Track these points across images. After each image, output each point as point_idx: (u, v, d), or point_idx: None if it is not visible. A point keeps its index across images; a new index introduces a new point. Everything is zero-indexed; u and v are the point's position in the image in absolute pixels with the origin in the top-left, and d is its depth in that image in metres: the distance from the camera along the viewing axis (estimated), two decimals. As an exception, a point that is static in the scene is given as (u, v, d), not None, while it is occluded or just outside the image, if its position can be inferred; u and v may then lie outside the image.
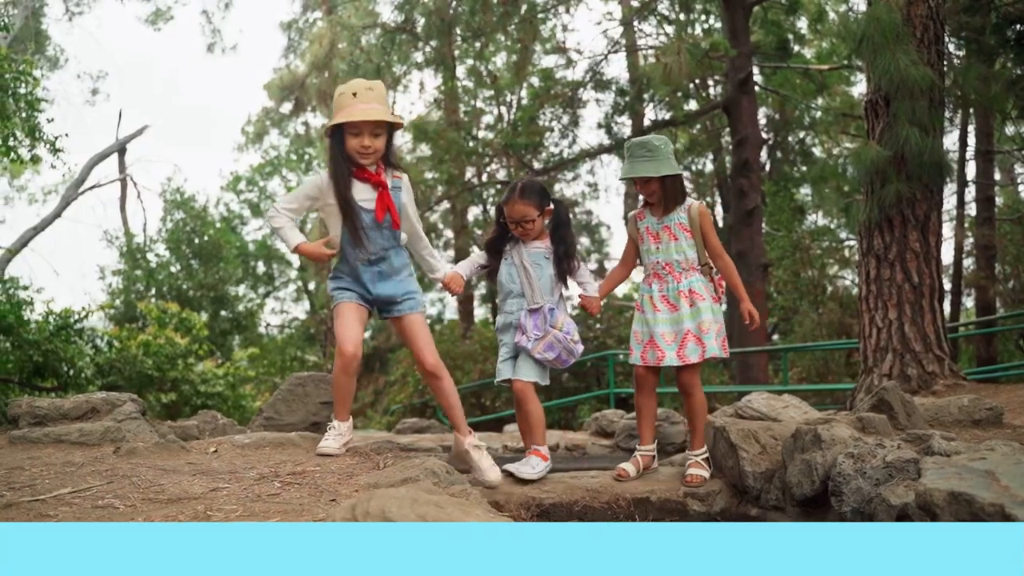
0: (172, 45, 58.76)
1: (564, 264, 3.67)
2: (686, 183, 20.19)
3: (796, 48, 16.08)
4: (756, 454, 3.39)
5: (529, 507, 3.39)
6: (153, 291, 16.92)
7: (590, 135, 28.41)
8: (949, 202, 13.76)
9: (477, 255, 3.90)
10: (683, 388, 3.69)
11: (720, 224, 19.76)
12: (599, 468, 3.98)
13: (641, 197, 3.78)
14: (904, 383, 5.57)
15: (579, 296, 3.81)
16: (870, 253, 5.98)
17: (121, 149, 19.81)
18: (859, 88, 15.86)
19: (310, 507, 2.35)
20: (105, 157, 18.97)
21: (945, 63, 6.31)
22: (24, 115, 8.65)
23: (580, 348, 3.63)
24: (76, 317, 9.74)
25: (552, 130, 16.01)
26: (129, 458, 3.08)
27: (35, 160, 8.96)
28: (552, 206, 3.70)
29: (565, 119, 15.98)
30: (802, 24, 16.43)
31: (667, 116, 16.98)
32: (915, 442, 2.74)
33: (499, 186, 18.00)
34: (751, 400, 4.53)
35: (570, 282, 3.84)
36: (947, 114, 7.44)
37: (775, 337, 18.58)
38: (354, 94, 3.37)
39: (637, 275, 4.22)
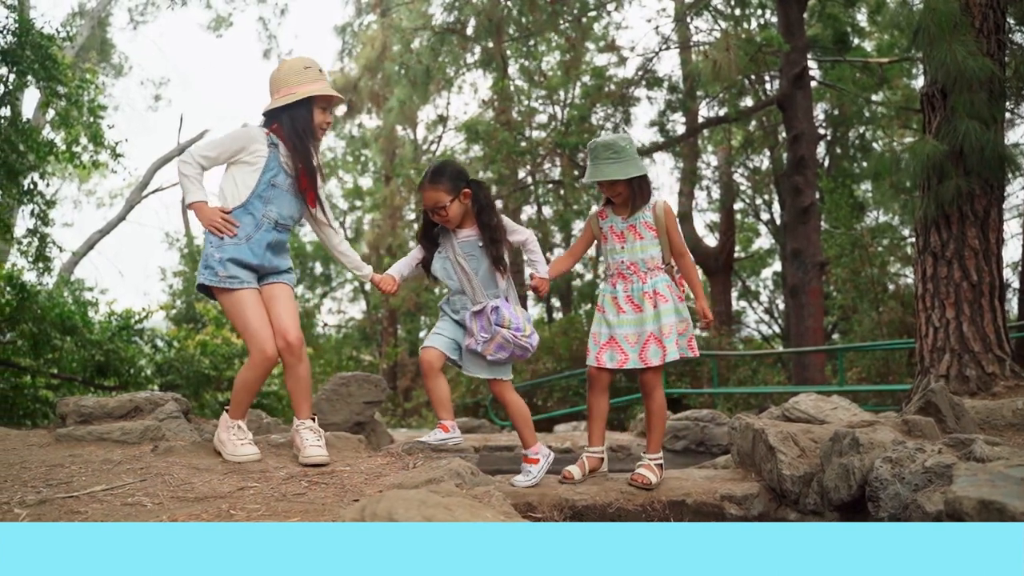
0: (231, 51, 60.14)
1: (493, 251, 3.40)
2: (742, 181, 19.94)
3: (855, 41, 15.66)
4: (795, 457, 3.30)
5: (562, 508, 3.35)
6: (213, 292, 17.30)
7: (643, 133, 28.17)
8: (1019, 196, 13.25)
9: (415, 251, 3.67)
10: (644, 389, 3.59)
11: (777, 221, 19.39)
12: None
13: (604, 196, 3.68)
14: (962, 384, 5.37)
15: (530, 276, 3.59)
16: (927, 251, 5.78)
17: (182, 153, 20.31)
18: (921, 81, 15.34)
19: (332, 507, 2.36)
20: (167, 161, 19.47)
21: (1007, 53, 6.06)
22: (87, 121, 8.95)
23: (535, 340, 3.42)
24: (137, 318, 10.04)
25: (604, 128, 15.90)
26: (165, 456, 3.15)
27: (97, 165, 9.25)
28: (469, 189, 3.42)
29: (617, 117, 15.85)
30: (861, 16, 16.01)
31: (721, 113, 16.74)
32: (957, 447, 2.63)
33: (551, 185, 17.92)
34: (799, 401, 4.44)
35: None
36: (1009, 106, 7.14)
37: (835, 336, 18.15)
38: (320, 70, 3.38)
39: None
